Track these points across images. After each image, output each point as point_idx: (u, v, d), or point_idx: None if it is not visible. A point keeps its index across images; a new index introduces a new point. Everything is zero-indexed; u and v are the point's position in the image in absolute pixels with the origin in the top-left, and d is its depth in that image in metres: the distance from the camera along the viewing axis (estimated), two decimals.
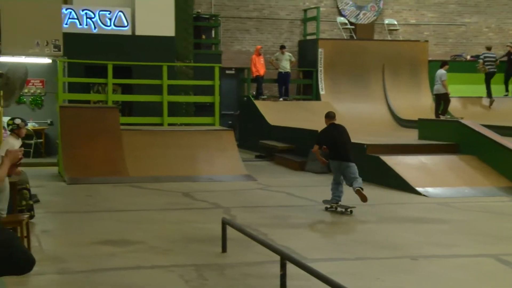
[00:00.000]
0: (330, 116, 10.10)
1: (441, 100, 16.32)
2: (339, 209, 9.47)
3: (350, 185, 9.46)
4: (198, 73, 16.95)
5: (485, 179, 11.60)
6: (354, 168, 9.51)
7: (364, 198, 9.27)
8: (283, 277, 5.28)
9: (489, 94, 19.67)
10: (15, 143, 8.22)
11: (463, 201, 10.49)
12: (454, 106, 18.90)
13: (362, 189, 9.35)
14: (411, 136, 14.75)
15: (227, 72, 20.49)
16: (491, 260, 6.80)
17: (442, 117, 15.86)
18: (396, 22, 22.48)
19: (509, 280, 6.23)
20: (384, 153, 12.43)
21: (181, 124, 15.34)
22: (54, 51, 8.87)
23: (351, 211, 9.40)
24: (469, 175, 11.76)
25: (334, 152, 9.68)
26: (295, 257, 5.57)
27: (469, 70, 20.51)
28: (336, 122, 10.05)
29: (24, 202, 8.21)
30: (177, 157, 12.95)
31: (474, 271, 6.41)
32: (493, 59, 19.73)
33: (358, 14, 22.42)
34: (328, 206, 9.62)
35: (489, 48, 20.14)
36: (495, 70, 19.66)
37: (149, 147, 13.01)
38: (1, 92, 9.56)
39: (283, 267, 5.29)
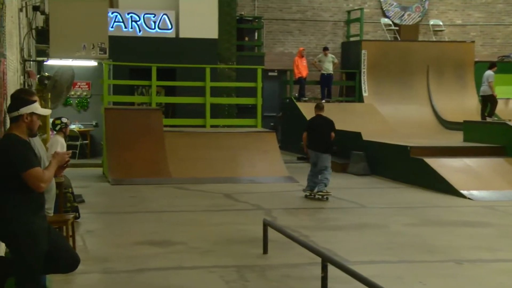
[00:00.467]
0: (318, 107, 11.02)
1: (488, 102, 16.02)
2: (316, 196, 10.47)
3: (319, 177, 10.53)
4: (240, 75, 17.02)
5: None
6: (326, 159, 10.45)
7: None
8: (324, 279, 5.26)
9: None
10: (63, 142, 8.43)
11: (509, 205, 10.27)
12: (501, 108, 18.52)
13: (322, 196, 10.44)
14: (456, 139, 14.52)
15: (270, 74, 20.51)
16: None
17: (488, 119, 15.57)
18: (441, 23, 22.16)
19: None
20: (428, 156, 12.28)
21: (223, 126, 15.43)
22: (100, 54, 9.01)
23: (327, 198, 10.39)
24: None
25: (311, 142, 10.59)
26: (337, 259, 5.56)
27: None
28: (323, 114, 10.90)
29: (68, 204, 8.40)
30: (219, 159, 13.03)
31: None
32: None
33: (403, 15, 22.18)
34: (307, 194, 10.67)
35: None
36: None
37: (191, 148, 13.13)
38: (49, 94, 9.78)
39: (324, 269, 5.27)
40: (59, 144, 8.16)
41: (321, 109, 10.88)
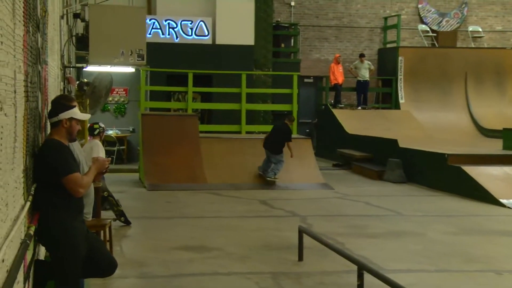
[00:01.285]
0: (288, 117, 13.04)
1: None
2: (261, 173, 12.59)
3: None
4: (276, 81, 17.03)
5: None
6: (275, 158, 12.54)
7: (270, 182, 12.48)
8: (360, 287, 5.22)
9: None
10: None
11: None
12: None
13: (269, 181, 12.50)
14: (495, 146, 14.28)
15: (306, 80, 20.48)
16: None
17: None
18: (480, 29, 21.85)
19: None
20: (466, 163, 12.09)
21: (259, 132, 15.44)
22: (138, 60, 9.12)
23: (274, 182, 12.46)
24: None
25: (265, 142, 12.69)
26: (373, 267, 5.50)
27: None
28: (287, 122, 12.78)
29: (115, 208, 8.53)
30: (255, 165, 13.04)
31: None
32: None
33: (441, 21, 21.93)
34: (260, 172, 12.64)
35: None
36: None
37: (227, 154, 13.17)
38: (88, 100, 9.93)
39: (360, 277, 5.23)
40: (100, 148, 8.28)
41: (290, 120, 12.90)
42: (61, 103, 4.24)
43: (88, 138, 10.45)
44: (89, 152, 7.77)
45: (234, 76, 15.25)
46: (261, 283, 5.99)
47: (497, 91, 19.65)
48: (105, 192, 8.52)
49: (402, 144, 14.18)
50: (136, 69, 12.66)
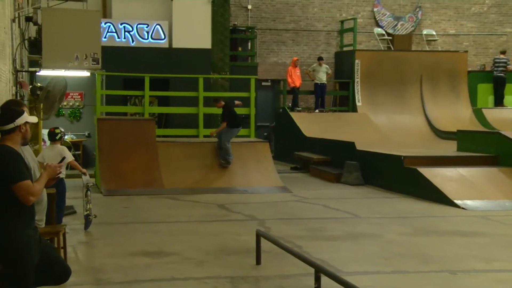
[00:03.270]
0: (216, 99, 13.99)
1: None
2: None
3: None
4: (234, 85, 17.05)
5: None
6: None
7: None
8: None
9: (496, 102, 19.54)
10: None
11: (503, 215, 10.29)
12: (493, 117, 18.67)
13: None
14: (449, 148, 14.56)
15: (263, 84, 20.56)
16: None
17: None
18: (434, 33, 22.28)
19: None
20: (422, 165, 12.30)
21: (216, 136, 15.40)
22: (92, 64, 9.02)
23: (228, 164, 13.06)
24: (510, 187, 11.54)
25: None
26: (330, 270, 5.55)
27: (511, 80, 20.18)
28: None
29: (89, 206, 8.52)
30: (213, 169, 13.03)
31: None
32: (504, 64, 19.53)
33: (396, 25, 22.29)
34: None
35: (503, 52, 19.99)
36: (503, 76, 19.43)
37: (184, 158, 13.12)
38: (42, 104, 9.77)
39: (317, 280, 5.27)
40: (68, 153, 8.26)
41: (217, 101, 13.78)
42: (14, 109, 4.18)
43: (44, 143, 10.27)
44: (57, 157, 7.67)
45: (191, 80, 15.21)
46: None
47: (451, 94, 20.04)
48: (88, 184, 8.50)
49: (359, 146, 14.34)
50: (91, 73, 12.53)
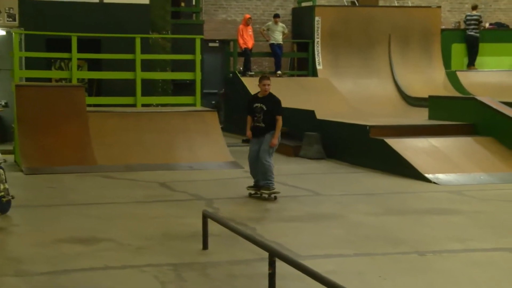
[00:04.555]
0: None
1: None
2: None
3: None
4: (176, 46, 16.93)
5: (504, 164, 11.70)
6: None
7: None
8: (271, 276, 5.32)
9: (468, 64, 19.97)
10: None
11: (478, 189, 10.57)
12: (468, 81, 19.05)
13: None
14: (421, 116, 14.83)
15: (210, 45, 20.46)
16: (507, 254, 6.91)
17: None
18: None
19: None
20: (390, 136, 12.49)
21: (157, 105, 15.34)
22: (8, 21, 8.83)
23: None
24: (486, 159, 11.86)
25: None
26: (287, 254, 5.62)
27: (487, 39, 20.56)
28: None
29: (2, 187, 8.38)
30: (153, 143, 12.96)
31: (489, 267, 6.49)
32: (476, 21, 19.87)
33: None
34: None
35: (474, 8, 20.35)
36: (475, 34, 19.79)
37: (120, 131, 13.02)
38: None
39: (272, 265, 5.33)
40: None
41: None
42: None
43: None
44: None
45: (126, 41, 15.02)
46: (160, 277, 6.00)
47: (424, 55, 20.31)
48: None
49: (320, 115, 14.46)
50: (7, 32, 12.26)
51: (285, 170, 12.53)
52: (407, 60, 20.14)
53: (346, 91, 18.86)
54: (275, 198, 9.62)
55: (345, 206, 9.36)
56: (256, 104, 9.78)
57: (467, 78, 19.42)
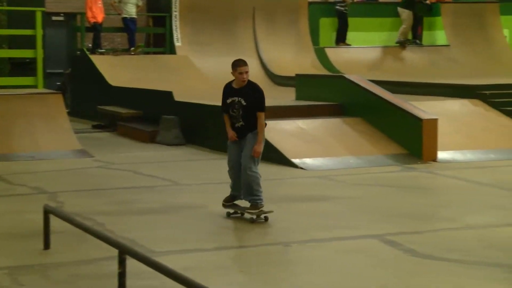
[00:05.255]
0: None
1: None
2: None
3: None
4: (13, 20, 16.42)
5: (373, 146, 12.16)
6: None
7: None
8: (121, 275, 5.29)
9: (338, 38, 20.71)
10: None
11: (347, 174, 10.93)
12: (337, 58, 19.59)
13: None
14: (288, 97, 15.10)
15: (54, 18, 20.02)
16: (376, 241, 7.20)
17: None
18: None
19: (393, 262, 6.60)
20: None
21: None
22: None
23: None
24: (355, 142, 12.28)
25: None
26: (139, 251, 5.61)
27: (356, 14, 21.17)
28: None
29: None
30: None
31: (358, 255, 6.76)
32: None
33: None
34: None
35: None
36: (342, 9, 20.44)
37: None
38: None
39: (122, 263, 5.29)
40: None
41: None
42: None
43: None
44: None
45: None
46: None
47: (290, 31, 20.62)
48: None
49: (178, 97, 14.44)
50: None
51: (141, 158, 12.48)
52: (273, 35, 20.42)
53: (207, 69, 18.89)
54: (266, 219, 7.94)
55: (206, 195, 9.42)
56: (232, 99, 8.03)
57: (336, 55, 19.94)
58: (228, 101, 8.08)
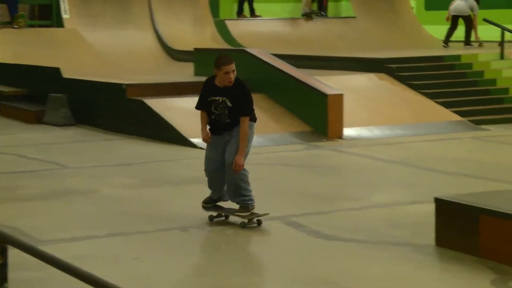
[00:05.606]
0: None
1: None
2: None
3: None
4: None
5: (277, 123, 12.29)
6: None
7: None
8: (3, 266, 5.16)
9: (239, 9, 20.84)
10: None
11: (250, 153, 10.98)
12: (239, 31, 19.60)
13: None
14: (186, 72, 15.06)
15: None
16: (279, 223, 7.32)
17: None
18: None
19: (297, 245, 6.74)
20: (150, 96, 12.60)
21: None
22: None
23: None
24: (259, 119, 12.26)
25: None
26: (22, 240, 5.48)
27: None
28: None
29: None
30: None
31: (259, 237, 6.89)
32: None
33: None
34: None
35: None
36: None
37: None
38: None
39: (3, 253, 5.17)
40: None
41: None
42: None
43: None
44: None
45: None
46: None
47: (189, 2, 20.53)
48: None
49: (67, 74, 14.22)
50: None
51: (25, 140, 12.28)
52: (170, 6, 20.28)
53: (99, 44, 18.64)
54: (260, 223, 7.25)
55: (97, 179, 9.37)
56: (215, 98, 7.27)
57: (237, 28, 19.99)
58: (209, 99, 7.30)
